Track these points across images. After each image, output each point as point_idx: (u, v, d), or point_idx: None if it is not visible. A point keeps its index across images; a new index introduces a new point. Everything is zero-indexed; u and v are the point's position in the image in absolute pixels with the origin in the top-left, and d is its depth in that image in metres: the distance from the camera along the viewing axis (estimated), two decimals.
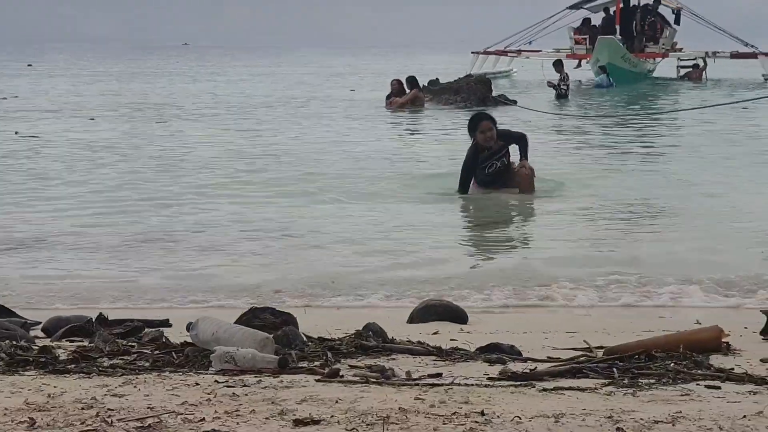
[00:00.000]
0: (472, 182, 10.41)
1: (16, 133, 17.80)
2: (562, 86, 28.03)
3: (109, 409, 3.36)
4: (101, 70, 48.85)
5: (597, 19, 40.02)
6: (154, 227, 9.09)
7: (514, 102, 24.76)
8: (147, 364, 4.19)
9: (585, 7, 40.48)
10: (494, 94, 25.77)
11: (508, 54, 40.27)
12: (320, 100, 27.04)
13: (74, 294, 6.67)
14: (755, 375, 3.91)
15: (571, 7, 40.29)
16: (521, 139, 10.54)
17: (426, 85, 26.60)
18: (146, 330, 4.94)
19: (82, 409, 3.38)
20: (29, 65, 52.09)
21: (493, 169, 10.25)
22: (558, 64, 29.47)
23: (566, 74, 28.85)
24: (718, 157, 14.38)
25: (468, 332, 5.15)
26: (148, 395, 3.60)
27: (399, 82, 24.46)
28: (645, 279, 6.96)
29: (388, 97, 24.25)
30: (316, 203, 10.42)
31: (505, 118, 21.30)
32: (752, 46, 38.96)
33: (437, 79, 28.32)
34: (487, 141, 10.12)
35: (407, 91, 24.23)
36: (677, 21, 39.95)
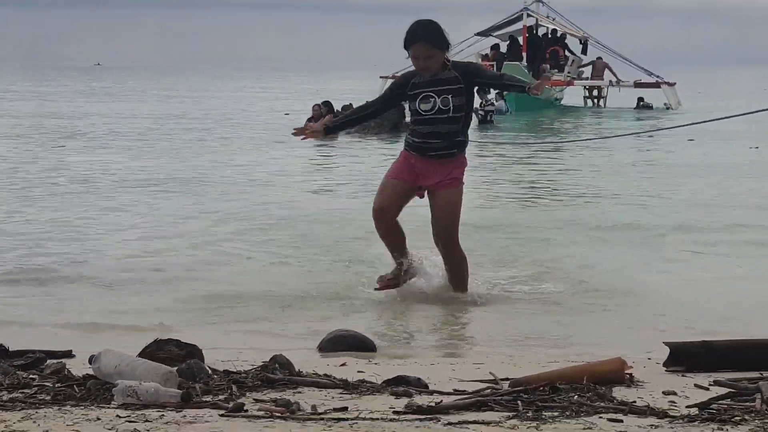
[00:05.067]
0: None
1: None
2: (480, 112, 28.13)
3: None
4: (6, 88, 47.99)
5: (505, 46, 40.59)
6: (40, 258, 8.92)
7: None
8: (48, 398, 4.12)
9: (493, 34, 41.01)
10: (407, 120, 25.85)
11: None
12: (248, 126, 26.86)
13: None
14: (657, 408, 3.97)
15: (480, 34, 40.80)
16: (496, 80, 7.62)
17: (339, 110, 26.64)
18: (48, 362, 4.85)
19: None
20: None
21: (430, 107, 7.01)
22: (480, 90, 29.71)
23: (487, 99, 28.95)
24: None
25: (376, 363, 5.15)
26: (47, 431, 3.53)
27: (320, 106, 24.49)
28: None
29: (309, 120, 24.28)
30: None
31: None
32: (656, 76, 39.81)
33: (351, 104, 28.40)
34: (419, 69, 7.05)
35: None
36: (584, 50, 40.68)
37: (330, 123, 7.83)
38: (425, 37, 6.99)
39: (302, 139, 7.75)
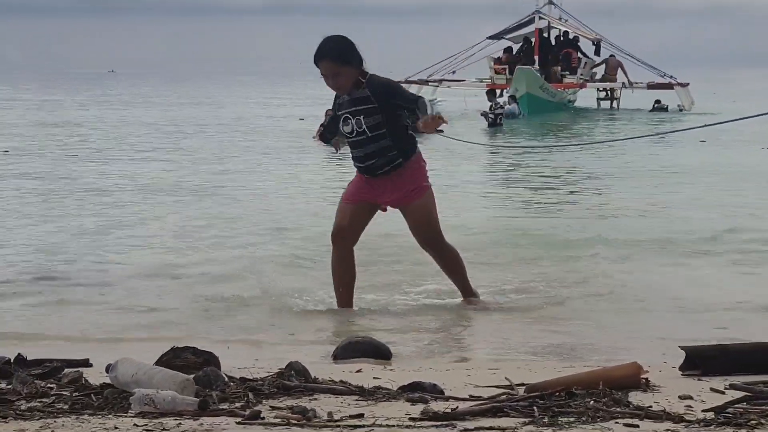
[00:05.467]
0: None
1: None
2: (489, 116, 28.24)
3: None
4: (18, 96, 48.14)
5: (517, 48, 40.58)
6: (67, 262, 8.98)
7: (441, 132, 24.79)
8: (66, 407, 4.14)
9: (505, 37, 40.97)
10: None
11: (430, 84, 40.56)
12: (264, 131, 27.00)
13: None
14: (673, 413, 3.97)
15: (492, 37, 40.76)
16: (410, 104, 6.63)
17: None
18: (66, 370, 4.87)
19: None
20: None
21: (350, 131, 6.72)
22: (491, 93, 29.78)
23: (497, 103, 29.10)
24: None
25: (391, 369, 5.16)
26: None
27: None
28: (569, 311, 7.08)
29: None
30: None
31: (431, 147, 21.43)
32: (669, 77, 39.72)
33: None
34: (330, 88, 6.79)
35: None
36: (597, 52, 40.61)
37: (323, 129, 7.23)
38: (331, 54, 6.60)
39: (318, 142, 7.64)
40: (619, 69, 39.48)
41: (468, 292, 7.14)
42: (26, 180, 15.48)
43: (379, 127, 6.64)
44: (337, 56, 6.61)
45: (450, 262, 7.04)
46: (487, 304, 7.17)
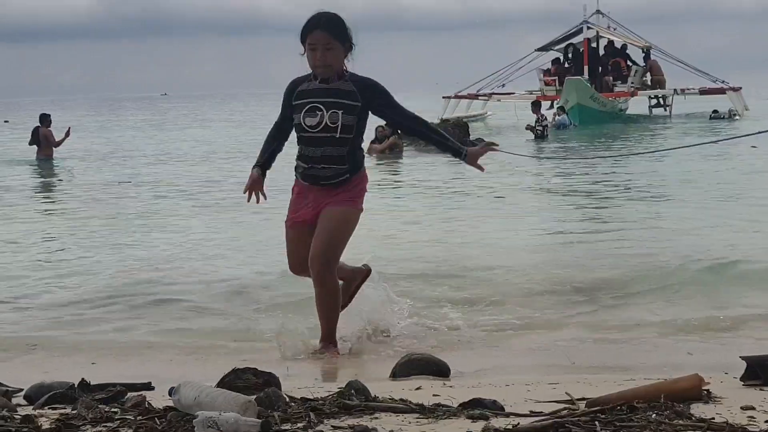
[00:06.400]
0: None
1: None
2: (537, 128, 28.27)
3: None
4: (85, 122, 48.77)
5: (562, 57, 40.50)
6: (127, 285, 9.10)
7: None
8: (130, 431, 4.19)
9: (554, 48, 40.94)
10: (471, 137, 25.93)
11: (480, 97, 40.56)
12: None
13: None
14: (736, 424, 3.94)
15: (540, 49, 40.78)
16: (412, 121, 6.17)
17: None
18: (129, 394, 4.93)
19: None
20: (6, 121, 51.08)
21: (316, 124, 5.97)
22: (535, 105, 29.79)
23: (543, 115, 29.17)
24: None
25: (451, 386, 5.16)
26: None
27: (383, 128, 24.68)
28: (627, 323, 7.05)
29: (373, 142, 24.50)
30: None
31: (482, 161, 21.41)
32: (721, 82, 39.42)
33: None
34: (316, 63, 5.96)
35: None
36: (646, 60, 40.43)
37: (259, 161, 6.32)
38: (329, 25, 5.91)
39: (250, 200, 6.25)
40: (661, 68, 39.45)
41: (330, 337, 6.33)
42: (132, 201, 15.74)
43: (349, 130, 5.96)
44: (334, 27, 5.93)
45: (329, 296, 6.18)
46: (547, 320, 7.11)
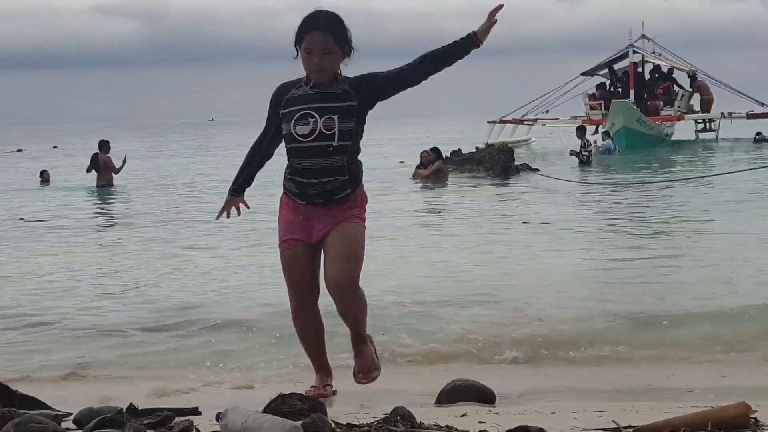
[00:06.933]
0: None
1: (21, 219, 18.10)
2: (583, 153, 28.09)
3: None
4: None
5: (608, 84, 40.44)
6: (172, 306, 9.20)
7: (537, 170, 24.92)
8: None
9: (599, 73, 40.84)
10: (516, 162, 25.90)
11: (525, 123, 40.52)
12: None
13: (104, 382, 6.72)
14: None
15: (585, 74, 40.67)
16: (395, 73, 5.42)
17: (449, 155, 26.72)
18: (176, 419, 4.97)
19: None
20: (20, 150, 50.73)
21: (308, 132, 5.36)
22: (580, 130, 29.63)
23: (588, 141, 28.95)
24: None
25: (496, 413, 5.15)
26: None
27: (428, 152, 24.69)
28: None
29: (418, 167, 24.54)
30: None
31: (527, 186, 21.42)
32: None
33: (459, 149, 28.39)
34: (311, 67, 5.37)
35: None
36: (693, 84, 40.23)
37: (233, 186, 5.80)
38: (328, 27, 5.32)
39: (221, 217, 5.83)
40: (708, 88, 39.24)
41: (362, 337, 5.83)
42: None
43: (348, 136, 5.36)
44: (334, 29, 5.33)
45: (355, 315, 5.69)
46: (592, 347, 7.06)
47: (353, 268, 5.47)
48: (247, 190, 5.81)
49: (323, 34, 5.29)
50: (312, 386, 5.89)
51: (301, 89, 5.42)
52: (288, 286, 5.64)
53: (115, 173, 25.00)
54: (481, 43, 5.35)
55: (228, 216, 5.71)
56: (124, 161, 24.89)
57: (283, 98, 5.44)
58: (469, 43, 5.36)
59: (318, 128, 5.33)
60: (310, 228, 5.51)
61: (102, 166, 24.89)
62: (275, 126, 5.50)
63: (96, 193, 23.83)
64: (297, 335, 5.84)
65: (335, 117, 5.33)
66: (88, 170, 25.09)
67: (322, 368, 5.94)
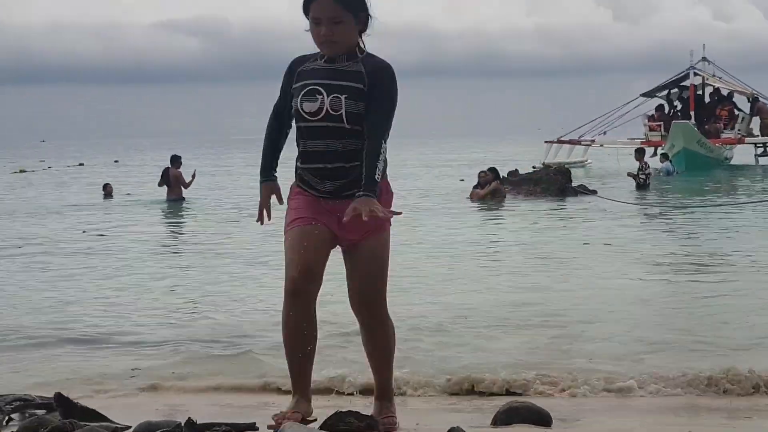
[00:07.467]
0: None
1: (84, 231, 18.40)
2: (641, 176, 27.77)
3: None
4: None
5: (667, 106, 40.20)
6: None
7: (594, 192, 24.80)
8: None
9: (658, 95, 40.61)
10: (573, 184, 25.80)
11: (582, 143, 40.36)
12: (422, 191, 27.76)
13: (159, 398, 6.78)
14: None
15: (645, 95, 40.46)
16: (370, 133, 4.71)
17: (506, 176, 26.68)
18: None
19: None
20: (81, 164, 51.15)
21: (315, 110, 4.77)
22: (639, 153, 29.31)
23: (646, 163, 28.61)
24: None
25: None
26: None
27: (486, 173, 24.71)
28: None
29: (475, 187, 24.56)
30: None
31: (582, 207, 21.32)
32: None
33: (516, 170, 28.33)
34: (320, 39, 4.79)
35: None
36: (753, 108, 39.88)
37: (263, 174, 5.04)
38: None
39: (261, 222, 5.04)
40: None
41: (387, 391, 5.23)
42: None
43: (359, 120, 4.74)
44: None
45: (383, 338, 5.09)
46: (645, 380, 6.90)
47: (380, 284, 4.90)
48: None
49: (330, 1, 4.73)
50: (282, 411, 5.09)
51: (315, 63, 4.85)
52: (286, 274, 4.84)
53: (185, 188, 25.27)
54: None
55: (269, 216, 5.00)
56: (194, 176, 25.20)
57: (295, 72, 4.88)
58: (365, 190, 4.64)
59: (325, 107, 4.74)
60: (331, 216, 4.83)
61: (173, 180, 25.17)
62: (287, 102, 4.93)
63: (167, 208, 24.10)
64: (282, 339, 5.10)
65: (342, 97, 4.72)
66: (160, 184, 25.44)
67: (301, 390, 5.09)
